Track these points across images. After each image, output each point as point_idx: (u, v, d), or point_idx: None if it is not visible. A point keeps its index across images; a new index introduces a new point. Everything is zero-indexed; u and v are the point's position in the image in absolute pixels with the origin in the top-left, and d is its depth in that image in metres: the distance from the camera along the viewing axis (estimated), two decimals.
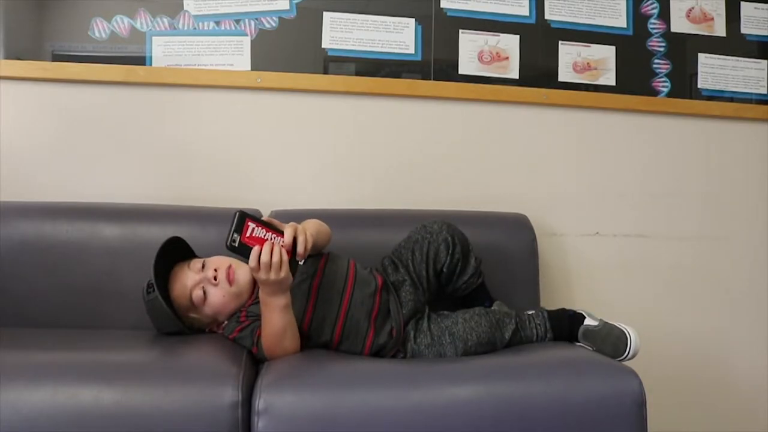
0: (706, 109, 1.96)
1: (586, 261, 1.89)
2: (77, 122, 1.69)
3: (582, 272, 1.88)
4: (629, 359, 1.36)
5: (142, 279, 1.51)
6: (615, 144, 1.92)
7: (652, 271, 1.92)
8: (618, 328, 1.40)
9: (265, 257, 1.19)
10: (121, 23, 1.71)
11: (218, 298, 1.36)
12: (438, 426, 1.13)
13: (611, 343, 1.38)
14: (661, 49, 1.94)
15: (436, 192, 1.82)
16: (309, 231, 1.29)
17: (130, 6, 1.71)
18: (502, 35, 1.86)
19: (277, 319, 1.25)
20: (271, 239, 1.22)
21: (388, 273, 1.46)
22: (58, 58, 1.68)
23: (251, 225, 1.22)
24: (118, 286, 1.51)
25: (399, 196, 1.79)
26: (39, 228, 1.51)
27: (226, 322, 1.37)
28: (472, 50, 1.85)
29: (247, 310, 1.36)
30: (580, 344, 1.41)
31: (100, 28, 1.70)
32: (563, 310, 1.46)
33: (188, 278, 1.37)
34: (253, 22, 1.75)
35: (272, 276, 1.20)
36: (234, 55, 1.74)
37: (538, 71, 1.88)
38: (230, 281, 1.36)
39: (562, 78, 1.89)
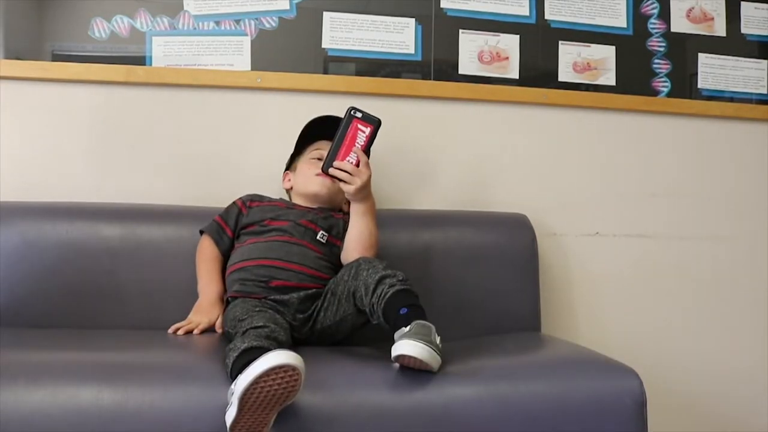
0: (706, 109, 1.96)
1: (587, 261, 1.88)
2: (77, 122, 1.69)
3: (582, 272, 1.88)
4: None
5: (142, 279, 1.52)
6: (615, 144, 1.92)
7: (652, 270, 1.92)
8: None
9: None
10: (121, 23, 1.71)
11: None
12: (438, 426, 1.13)
13: None
14: (661, 49, 1.94)
15: (436, 192, 1.82)
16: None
17: (130, 6, 1.71)
18: (502, 35, 1.86)
19: (374, 223, 1.46)
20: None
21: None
22: (58, 58, 1.68)
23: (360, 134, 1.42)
24: (118, 286, 1.51)
25: (398, 196, 1.79)
26: (39, 228, 1.51)
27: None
28: (472, 50, 1.85)
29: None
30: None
31: (100, 28, 1.70)
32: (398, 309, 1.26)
33: None
34: (253, 22, 1.75)
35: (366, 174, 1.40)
36: (234, 55, 1.74)
37: (538, 71, 1.88)
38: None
39: (562, 78, 1.89)
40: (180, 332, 1.37)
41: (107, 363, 1.16)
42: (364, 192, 1.43)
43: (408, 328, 1.18)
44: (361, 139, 1.41)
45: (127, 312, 1.50)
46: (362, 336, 1.40)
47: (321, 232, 1.48)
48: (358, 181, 1.39)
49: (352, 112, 1.41)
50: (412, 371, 1.18)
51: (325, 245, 1.47)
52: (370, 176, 1.42)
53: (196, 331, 1.38)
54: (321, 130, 1.60)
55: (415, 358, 1.15)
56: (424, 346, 1.15)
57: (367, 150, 1.42)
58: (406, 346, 1.15)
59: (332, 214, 1.54)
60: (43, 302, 1.48)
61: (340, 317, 1.36)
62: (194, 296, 1.48)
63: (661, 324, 1.91)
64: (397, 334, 1.20)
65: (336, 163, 1.40)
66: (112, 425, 1.04)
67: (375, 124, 1.41)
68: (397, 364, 1.20)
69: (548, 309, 1.80)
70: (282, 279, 1.40)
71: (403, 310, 1.23)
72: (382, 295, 1.26)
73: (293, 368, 1.00)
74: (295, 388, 1.02)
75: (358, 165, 1.40)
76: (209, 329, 1.40)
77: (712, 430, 1.91)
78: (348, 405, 1.12)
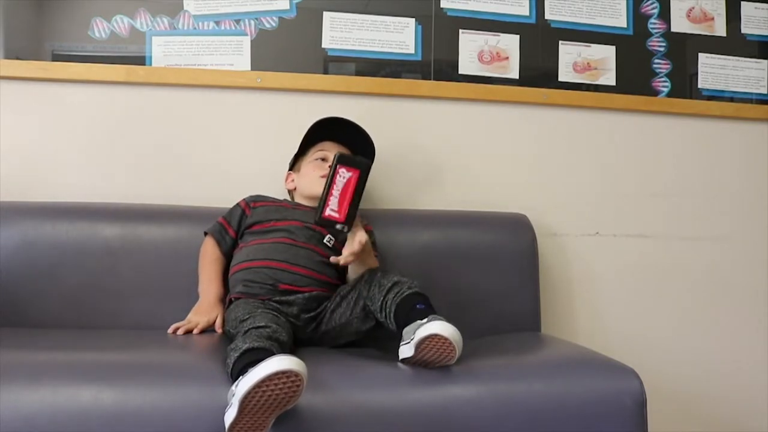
0: (706, 109, 1.96)
1: (587, 261, 1.89)
2: (77, 122, 1.69)
3: (582, 272, 1.88)
4: None
5: (142, 279, 1.51)
6: (615, 144, 1.92)
7: (652, 271, 1.92)
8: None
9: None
10: (121, 23, 1.71)
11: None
12: (438, 426, 1.13)
13: None
14: (662, 49, 1.94)
15: (436, 192, 1.82)
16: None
17: (130, 6, 1.71)
18: (502, 35, 1.86)
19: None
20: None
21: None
22: (58, 58, 1.68)
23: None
24: (118, 286, 1.51)
25: (398, 196, 1.79)
26: (39, 228, 1.51)
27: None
28: (472, 50, 1.85)
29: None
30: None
31: (100, 28, 1.70)
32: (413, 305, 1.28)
33: None
34: (253, 22, 1.75)
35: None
36: (234, 55, 1.74)
37: (538, 71, 1.88)
38: None
39: (562, 78, 1.89)
40: (179, 332, 1.37)
41: (107, 363, 1.16)
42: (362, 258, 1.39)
43: (426, 319, 1.19)
44: (341, 183, 1.34)
45: (127, 312, 1.50)
46: (363, 336, 1.40)
47: (328, 236, 1.47)
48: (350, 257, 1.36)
49: (337, 157, 1.33)
50: (412, 371, 1.18)
51: (330, 249, 1.47)
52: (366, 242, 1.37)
53: (195, 331, 1.38)
54: (325, 131, 1.60)
55: (446, 338, 1.14)
56: (455, 328, 1.15)
57: (355, 196, 1.35)
58: (438, 325, 1.15)
59: None
60: (43, 302, 1.48)
61: (345, 320, 1.36)
62: (194, 296, 1.48)
63: (661, 324, 1.91)
64: (410, 327, 1.20)
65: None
66: (112, 425, 1.04)
67: (361, 167, 1.33)
68: (401, 364, 1.20)
69: (548, 309, 1.80)
70: (288, 282, 1.40)
71: (420, 306, 1.24)
72: (399, 293, 1.27)
73: (296, 374, 1.00)
74: (297, 394, 1.02)
75: (345, 215, 1.33)
76: (208, 329, 1.40)
77: (711, 430, 1.91)
78: (348, 405, 1.12)
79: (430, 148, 1.83)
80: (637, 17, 1.93)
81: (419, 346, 1.16)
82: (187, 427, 1.06)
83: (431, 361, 1.18)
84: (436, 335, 1.14)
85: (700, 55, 1.97)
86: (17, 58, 1.66)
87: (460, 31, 1.84)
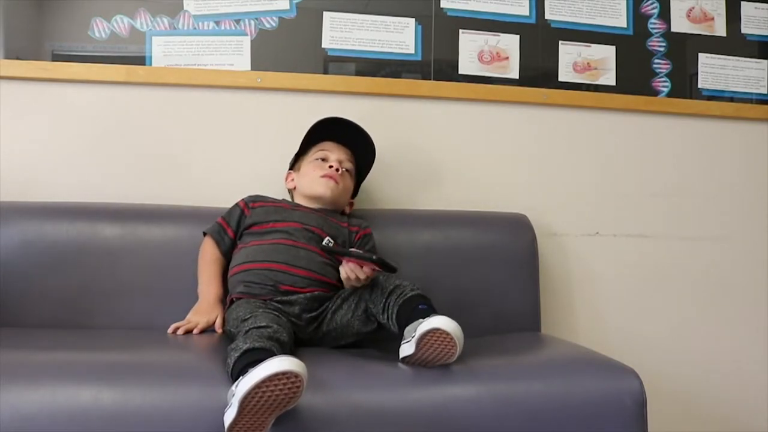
0: (706, 109, 1.96)
1: (587, 261, 1.89)
2: (77, 122, 1.69)
3: (582, 272, 1.88)
4: None
5: (142, 279, 1.51)
6: (615, 144, 1.92)
7: (652, 270, 1.92)
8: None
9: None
10: (121, 23, 1.71)
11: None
12: (438, 426, 1.13)
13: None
14: (661, 49, 1.95)
15: (437, 192, 1.82)
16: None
17: (130, 6, 1.71)
18: (502, 35, 1.86)
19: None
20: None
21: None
22: (58, 58, 1.68)
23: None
24: (118, 286, 1.51)
25: (399, 196, 1.79)
26: (39, 228, 1.51)
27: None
28: (472, 50, 1.85)
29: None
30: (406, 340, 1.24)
31: (100, 28, 1.70)
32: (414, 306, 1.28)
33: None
34: (253, 22, 1.75)
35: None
36: (234, 55, 1.74)
37: (538, 71, 1.88)
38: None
39: (562, 78, 1.89)
40: (179, 332, 1.37)
41: (107, 363, 1.16)
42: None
43: (428, 317, 1.19)
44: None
45: (127, 312, 1.50)
46: (364, 338, 1.40)
47: (327, 237, 1.47)
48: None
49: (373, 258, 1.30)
50: (412, 371, 1.18)
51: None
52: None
53: (195, 331, 1.38)
54: (326, 131, 1.60)
55: (447, 333, 1.14)
56: (457, 324, 1.15)
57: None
58: (440, 320, 1.15)
59: (339, 222, 1.54)
60: (43, 302, 1.48)
61: (346, 321, 1.36)
62: (194, 296, 1.48)
63: (661, 324, 1.91)
64: (411, 326, 1.20)
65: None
66: (112, 425, 1.04)
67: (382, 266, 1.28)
68: (401, 364, 1.20)
69: (548, 309, 1.80)
70: (288, 284, 1.40)
71: (422, 306, 1.25)
72: (402, 294, 1.28)
73: (296, 375, 1.00)
74: (297, 395, 1.02)
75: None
76: (208, 329, 1.40)
77: (711, 430, 1.91)
78: (348, 405, 1.12)
79: (430, 148, 1.83)
80: (637, 17, 1.93)
81: (421, 341, 1.16)
82: (187, 427, 1.06)
83: (432, 359, 1.19)
84: (438, 329, 1.15)
85: (700, 55, 1.97)
86: (17, 58, 1.66)
87: (460, 31, 1.84)
